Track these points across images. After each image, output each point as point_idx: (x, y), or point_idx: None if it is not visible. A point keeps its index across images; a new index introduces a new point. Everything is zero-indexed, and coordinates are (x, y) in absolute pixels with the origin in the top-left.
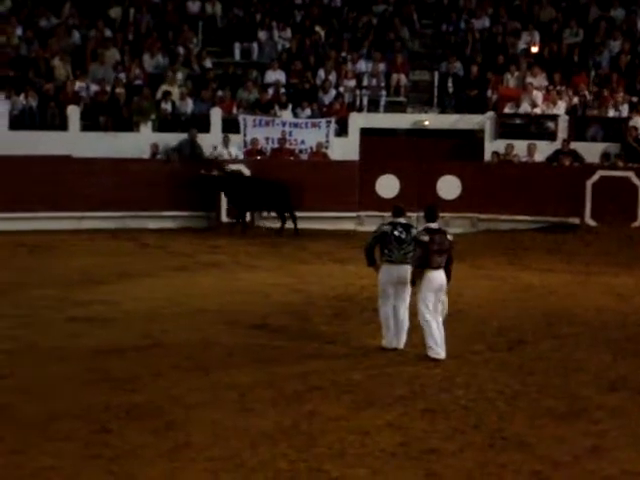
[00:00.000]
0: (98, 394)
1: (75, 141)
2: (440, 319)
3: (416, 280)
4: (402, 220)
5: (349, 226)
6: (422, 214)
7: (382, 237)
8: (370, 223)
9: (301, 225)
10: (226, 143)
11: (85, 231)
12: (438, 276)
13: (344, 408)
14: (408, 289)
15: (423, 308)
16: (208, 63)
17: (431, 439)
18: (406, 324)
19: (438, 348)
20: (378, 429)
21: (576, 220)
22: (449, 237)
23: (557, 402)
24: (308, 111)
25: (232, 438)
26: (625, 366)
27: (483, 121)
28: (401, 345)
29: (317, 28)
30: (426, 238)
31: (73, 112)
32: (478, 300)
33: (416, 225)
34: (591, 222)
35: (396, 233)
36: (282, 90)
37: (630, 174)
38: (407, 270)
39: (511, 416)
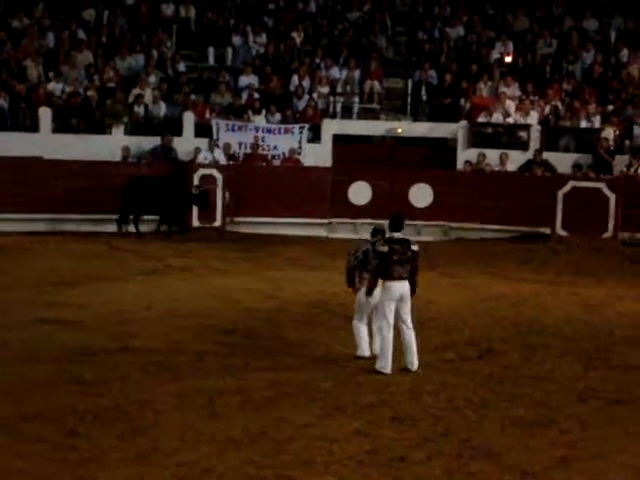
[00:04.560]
0: (67, 397)
1: (46, 143)
2: (410, 330)
3: (372, 290)
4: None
5: (321, 233)
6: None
7: (365, 257)
8: (342, 230)
9: (273, 231)
10: (212, 148)
11: (56, 233)
12: (399, 286)
13: (313, 415)
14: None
15: (381, 319)
16: (182, 67)
17: (399, 447)
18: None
19: (384, 361)
20: (346, 437)
21: (547, 230)
22: (413, 247)
23: (526, 412)
24: (278, 116)
25: (200, 443)
26: (595, 376)
27: (456, 130)
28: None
29: (294, 34)
30: (385, 249)
31: (45, 114)
32: (449, 309)
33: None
34: (562, 232)
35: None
36: (256, 95)
37: (601, 185)
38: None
39: (480, 425)
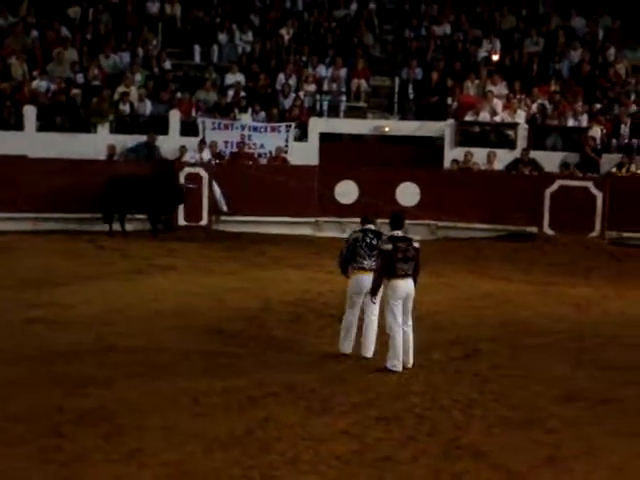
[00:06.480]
0: (51, 397)
1: (31, 141)
2: (410, 329)
3: (377, 290)
4: (372, 227)
5: (307, 231)
6: (387, 221)
7: (354, 245)
8: (328, 229)
9: (259, 230)
10: (201, 149)
11: (41, 232)
12: (404, 284)
13: (298, 415)
14: (378, 297)
15: (390, 318)
16: (167, 65)
17: (385, 447)
18: (374, 333)
19: (395, 360)
20: (332, 436)
21: (534, 229)
22: (415, 244)
23: (513, 411)
24: (263, 114)
25: (185, 444)
26: (581, 376)
27: (443, 128)
28: (369, 354)
29: (282, 31)
30: (389, 246)
31: (29, 112)
32: (436, 308)
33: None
34: (549, 231)
35: (367, 240)
36: (242, 93)
37: (589, 184)
38: None
39: (466, 425)
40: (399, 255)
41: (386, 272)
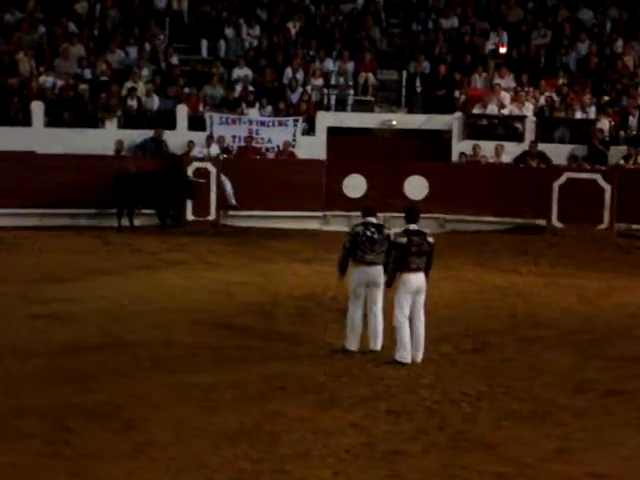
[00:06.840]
0: (60, 392)
1: (39, 137)
2: (421, 323)
3: (392, 282)
4: (373, 220)
5: (315, 225)
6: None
7: (355, 238)
8: (336, 223)
9: (268, 224)
10: (208, 144)
11: (49, 228)
12: (416, 278)
13: (308, 408)
14: (381, 290)
15: (397, 311)
16: (175, 60)
17: (395, 440)
18: (381, 326)
19: (403, 352)
20: (341, 430)
21: (543, 222)
22: (429, 239)
23: (522, 404)
24: (270, 109)
25: (194, 438)
26: (590, 368)
27: (451, 121)
28: (378, 347)
29: (289, 24)
30: (404, 240)
31: (37, 107)
32: (444, 301)
33: (387, 225)
34: (558, 224)
35: (368, 233)
36: (250, 88)
37: (597, 176)
38: (379, 271)
39: (475, 418)
40: (413, 249)
41: (398, 265)
